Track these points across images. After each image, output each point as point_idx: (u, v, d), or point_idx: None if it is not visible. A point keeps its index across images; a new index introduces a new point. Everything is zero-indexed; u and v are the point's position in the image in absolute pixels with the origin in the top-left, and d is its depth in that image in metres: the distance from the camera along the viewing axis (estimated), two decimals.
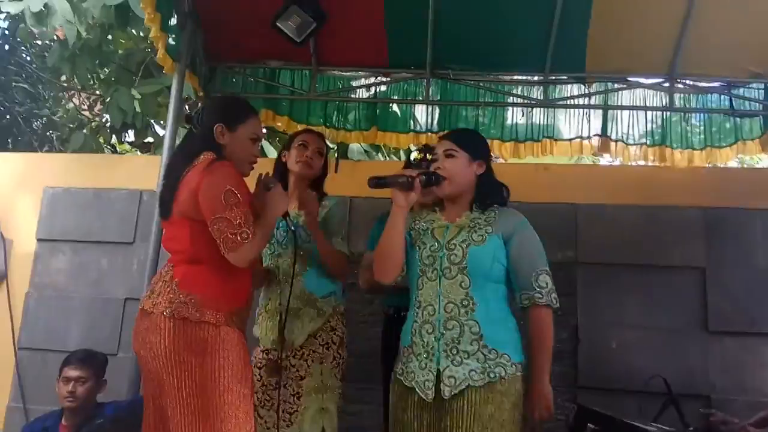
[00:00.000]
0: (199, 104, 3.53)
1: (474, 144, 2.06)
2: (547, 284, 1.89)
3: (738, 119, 3.51)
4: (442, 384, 1.83)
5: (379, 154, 4.42)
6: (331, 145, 4.44)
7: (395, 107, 3.79)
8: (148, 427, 1.91)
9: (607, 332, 3.40)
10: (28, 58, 6.06)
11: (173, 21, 3.28)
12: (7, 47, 5.81)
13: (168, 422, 1.83)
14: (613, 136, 3.58)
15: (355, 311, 3.54)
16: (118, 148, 6.72)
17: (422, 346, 1.89)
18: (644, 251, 3.48)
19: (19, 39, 5.07)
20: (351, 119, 3.70)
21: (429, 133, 3.64)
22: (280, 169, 2.55)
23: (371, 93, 3.75)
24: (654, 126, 3.57)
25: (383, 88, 3.73)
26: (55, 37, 4.06)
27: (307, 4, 3.19)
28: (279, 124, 3.71)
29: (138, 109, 4.29)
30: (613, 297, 3.46)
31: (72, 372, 2.84)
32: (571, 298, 3.46)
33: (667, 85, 3.52)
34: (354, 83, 3.75)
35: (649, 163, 3.59)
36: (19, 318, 3.71)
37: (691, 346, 3.33)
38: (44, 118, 6.19)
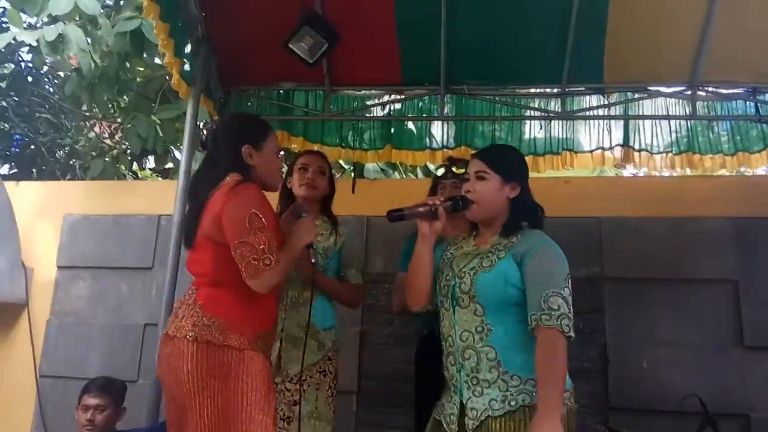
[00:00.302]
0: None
1: (508, 165, 1.91)
2: (558, 307, 1.70)
3: (765, 125, 3.39)
4: (465, 417, 1.74)
5: (396, 173, 4.38)
6: (345, 166, 4.43)
7: (410, 125, 3.74)
8: None
9: (637, 350, 3.27)
10: (51, 89, 6.18)
11: (187, 47, 3.30)
12: (30, 79, 5.93)
13: None
14: (636, 146, 3.48)
15: (374, 333, 3.49)
16: (140, 175, 6.80)
17: (449, 379, 1.83)
18: (673, 264, 3.36)
19: (35, 67, 5.17)
20: (366, 138, 3.67)
21: (445, 149, 3.59)
22: (287, 195, 2.56)
23: (386, 111, 3.71)
24: (678, 135, 3.47)
25: (398, 105, 3.70)
26: (72, 67, 4.12)
27: (319, 25, 3.18)
28: (294, 145, 3.68)
29: (161, 135, 4.32)
30: (643, 313, 3.33)
31: (91, 400, 2.83)
32: (598, 315, 3.36)
33: (689, 93, 3.42)
34: (368, 102, 3.72)
35: (675, 173, 3.48)
36: (40, 345, 3.72)
37: (726, 363, 3.18)
38: (67, 147, 6.28)
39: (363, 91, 3.70)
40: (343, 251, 2.54)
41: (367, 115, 3.73)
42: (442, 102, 3.61)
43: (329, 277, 2.49)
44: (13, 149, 6.24)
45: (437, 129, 3.70)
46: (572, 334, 1.71)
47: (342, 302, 2.54)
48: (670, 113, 3.46)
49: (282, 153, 2.15)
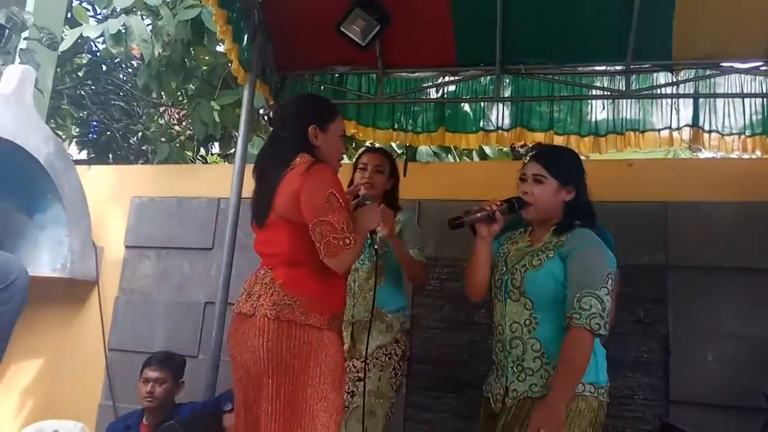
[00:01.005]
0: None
1: (566, 169, 1.99)
2: (590, 307, 1.77)
3: None
4: (507, 397, 1.89)
5: (449, 155, 4.31)
6: (398, 150, 4.40)
7: (466, 107, 3.66)
8: None
9: (702, 342, 3.09)
10: (124, 78, 6.48)
11: (245, 34, 3.36)
12: (104, 68, 6.23)
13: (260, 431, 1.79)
14: (706, 127, 3.26)
15: (425, 317, 3.47)
16: (208, 160, 7.05)
17: (497, 363, 1.99)
18: (745, 252, 3.14)
19: (108, 57, 5.42)
20: (419, 121, 3.62)
21: (499, 131, 3.50)
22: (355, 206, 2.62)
23: (440, 93, 3.65)
24: (753, 114, 3.22)
25: (452, 87, 3.63)
26: (137, 56, 4.30)
27: (371, 7, 3.16)
28: (352, 130, 3.69)
29: (218, 121, 4.45)
30: (709, 303, 3.14)
31: (151, 373, 2.96)
32: (660, 304, 3.20)
33: (765, 68, 3.17)
34: (422, 84, 3.67)
35: (748, 156, 3.24)
36: (109, 321, 3.92)
37: None
38: (139, 134, 6.58)
39: (416, 74, 3.66)
40: (403, 233, 2.60)
41: (420, 97, 3.68)
42: (497, 82, 3.51)
43: (392, 265, 2.57)
44: (90, 135, 6.59)
45: (493, 111, 3.61)
46: (603, 332, 1.78)
47: (412, 277, 2.62)
48: (745, 91, 3.23)
49: (344, 134, 2.12)
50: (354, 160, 2.77)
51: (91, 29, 4.04)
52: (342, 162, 2.09)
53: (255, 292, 1.88)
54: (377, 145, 3.73)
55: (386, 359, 2.46)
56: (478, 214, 1.94)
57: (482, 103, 3.60)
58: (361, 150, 3.18)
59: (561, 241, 1.92)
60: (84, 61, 6.29)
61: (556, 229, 1.95)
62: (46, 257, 3.80)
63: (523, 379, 1.86)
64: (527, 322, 1.89)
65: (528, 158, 2.07)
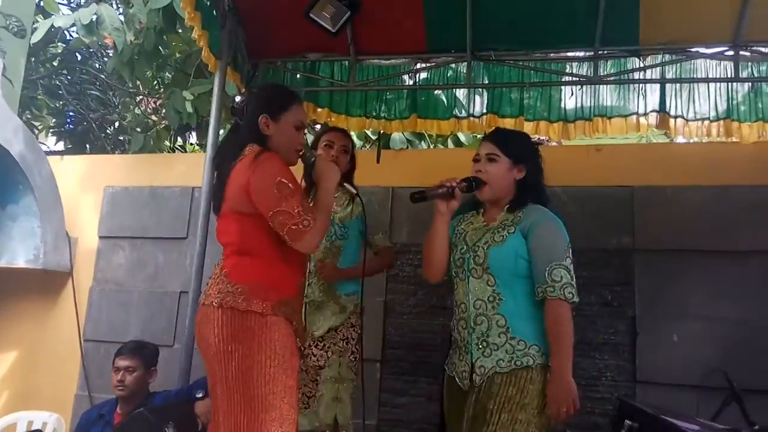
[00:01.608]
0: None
1: (517, 148, 2.06)
2: (561, 278, 1.87)
3: None
4: (474, 374, 1.93)
5: (422, 142, 4.32)
6: (372, 135, 4.41)
7: (438, 93, 3.68)
8: (215, 422, 1.90)
9: (668, 324, 3.16)
10: (99, 67, 6.40)
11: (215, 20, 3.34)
12: (79, 57, 6.16)
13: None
14: (672, 112, 3.31)
15: (398, 303, 3.50)
16: (186, 149, 7.00)
17: (460, 341, 2.01)
18: (710, 235, 3.21)
19: (79, 47, 5.36)
20: (392, 108, 3.64)
21: (471, 118, 3.52)
22: (310, 170, 2.55)
23: (412, 80, 3.66)
24: (718, 99, 3.27)
25: (424, 74, 3.64)
26: (110, 45, 4.26)
27: None
28: (319, 115, 3.70)
29: (191, 110, 4.43)
30: (675, 286, 3.20)
31: (121, 362, 2.97)
32: (627, 287, 3.26)
33: (731, 53, 3.21)
34: (394, 71, 3.67)
35: (714, 140, 3.29)
36: (84, 311, 3.91)
37: (763, 339, 3.02)
38: (116, 123, 6.52)
39: (388, 61, 3.66)
40: (367, 218, 2.59)
41: (393, 84, 3.69)
42: (468, 69, 3.53)
43: (350, 246, 2.58)
44: (66, 126, 6.52)
45: (465, 97, 3.63)
46: (576, 299, 1.89)
47: (384, 268, 2.68)
48: (711, 76, 3.27)
49: (304, 128, 2.08)
50: (314, 137, 2.73)
51: (62, 19, 4.01)
52: (300, 152, 2.05)
53: (209, 282, 1.95)
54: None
55: (344, 344, 2.48)
56: (439, 190, 1.98)
57: (455, 90, 3.62)
58: (322, 128, 3.13)
59: (518, 217, 1.99)
60: (58, 51, 6.20)
61: (510, 206, 2.02)
62: (19, 248, 3.78)
63: (489, 354, 1.90)
64: (491, 298, 1.93)
65: (481, 140, 2.14)
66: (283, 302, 1.89)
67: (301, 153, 2.05)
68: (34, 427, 3.20)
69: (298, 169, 2.11)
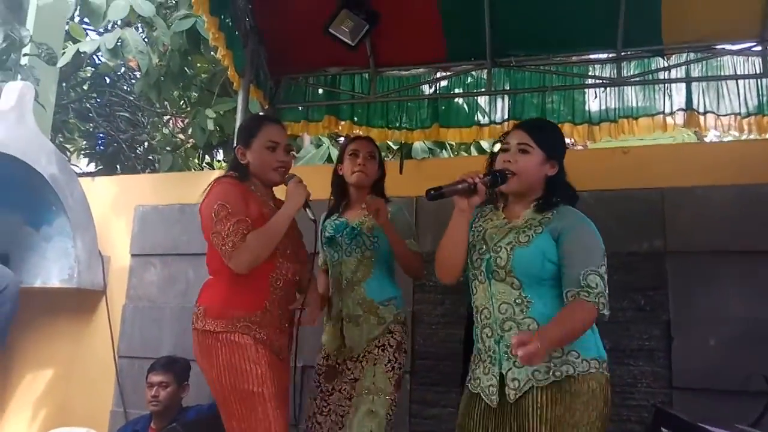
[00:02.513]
0: None
1: (552, 142, 1.90)
2: (597, 285, 1.69)
3: None
4: (506, 387, 1.75)
5: (444, 151, 4.32)
6: (394, 146, 4.42)
7: (459, 101, 3.68)
8: None
9: (703, 328, 3.06)
10: (127, 89, 6.57)
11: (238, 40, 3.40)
12: (107, 80, 6.33)
13: None
14: (701, 110, 3.25)
15: (426, 313, 3.48)
16: (214, 167, 7.12)
17: (485, 351, 1.83)
18: (744, 235, 3.11)
19: (102, 72, 5.53)
20: (413, 118, 3.64)
21: (492, 125, 3.50)
22: (338, 182, 2.58)
23: (432, 89, 3.67)
24: (748, 95, 3.19)
25: (444, 83, 3.65)
26: (135, 68, 4.38)
27: (358, 7, 3.19)
28: (342, 128, 3.73)
29: (216, 128, 4.51)
30: (710, 288, 3.11)
31: (155, 377, 3.02)
32: (661, 291, 3.18)
33: (758, 49, 3.14)
34: (414, 81, 3.68)
35: (744, 137, 3.21)
36: (118, 328, 3.98)
37: None
38: (145, 143, 6.67)
39: (408, 71, 3.67)
40: (396, 225, 2.48)
41: (413, 94, 3.70)
42: (488, 76, 3.52)
43: (382, 255, 2.47)
44: (97, 147, 6.70)
45: (486, 104, 3.61)
46: (607, 312, 1.71)
47: (408, 268, 2.48)
48: (738, 73, 3.20)
49: (280, 147, 2.07)
50: (340, 149, 2.70)
51: (88, 44, 4.14)
52: (281, 169, 2.13)
53: None
54: None
55: (379, 351, 2.30)
56: (459, 186, 1.78)
57: (476, 98, 3.61)
58: (346, 139, 3.11)
59: (546, 217, 1.82)
60: (87, 75, 6.39)
61: (539, 205, 1.85)
62: (53, 268, 3.87)
63: (521, 365, 1.69)
64: (518, 301, 1.77)
65: (513, 128, 1.97)
66: (242, 319, 1.97)
67: (281, 170, 2.12)
68: None
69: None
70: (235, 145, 2.19)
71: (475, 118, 3.58)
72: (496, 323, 1.79)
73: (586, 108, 3.43)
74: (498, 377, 1.77)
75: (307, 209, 2.09)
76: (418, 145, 3.97)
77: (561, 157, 1.89)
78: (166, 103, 6.12)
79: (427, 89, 3.68)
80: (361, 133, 3.66)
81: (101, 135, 6.64)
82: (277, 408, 1.92)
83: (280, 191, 2.26)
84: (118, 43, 3.97)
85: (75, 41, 4.53)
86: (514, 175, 1.83)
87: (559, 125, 3.38)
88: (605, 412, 1.73)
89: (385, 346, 2.33)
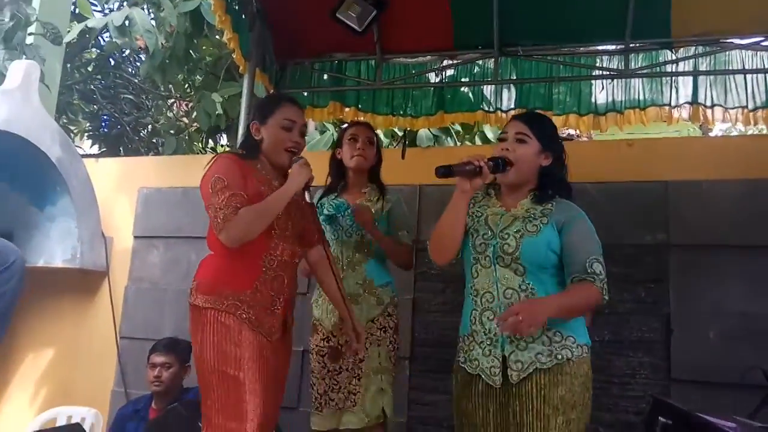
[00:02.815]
0: None
1: (548, 133, 1.98)
2: (600, 272, 1.81)
3: None
4: (509, 369, 1.82)
5: (449, 139, 4.31)
6: (399, 132, 4.41)
7: (465, 90, 3.66)
8: None
9: (704, 321, 3.08)
10: (132, 71, 6.56)
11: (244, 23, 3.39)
12: (112, 62, 6.31)
13: None
14: (708, 103, 3.23)
15: (427, 301, 3.49)
16: (218, 151, 7.12)
17: (484, 333, 1.88)
18: (748, 230, 3.11)
19: (116, 51, 5.53)
20: (418, 105, 3.63)
21: (498, 112, 3.49)
22: (337, 165, 2.67)
23: (439, 78, 3.65)
24: (756, 89, 3.17)
25: (451, 71, 3.63)
26: (141, 48, 4.37)
27: None
28: (347, 114, 3.72)
29: (221, 112, 4.50)
30: (711, 282, 3.12)
31: (157, 358, 3.03)
32: (662, 284, 3.19)
33: (767, 44, 3.12)
34: (421, 69, 3.67)
35: (750, 131, 3.21)
36: (120, 309, 4.00)
37: None
38: (149, 126, 6.67)
39: (415, 59, 3.66)
40: (392, 215, 2.62)
41: (419, 82, 3.69)
42: (495, 65, 3.51)
43: (361, 232, 2.57)
44: (101, 129, 6.69)
45: (493, 94, 3.60)
46: (606, 297, 1.82)
47: (395, 259, 2.62)
48: (746, 67, 3.19)
49: (295, 127, 2.12)
50: (338, 134, 2.75)
51: (95, 22, 4.13)
52: (292, 150, 2.10)
53: None
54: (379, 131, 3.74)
55: (381, 333, 2.48)
56: (467, 167, 1.82)
57: (482, 87, 3.60)
58: (345, 125, 3.16)
59: (548, 209, 1.90)
60: (93, 56, 6.38)
61: (537, 197, 1.93)
62: (57, 249, 3.89)
63: (524, 347, 1.80)
64: (523, 287, 1.84)
65: (511, 119, 2.06)
66: (230, 296, 1.95)
67: (292, 151, 2.11)
68: (72, 422, 3.29)
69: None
70: (251, 120, 2.17)
71: (481, 106, 3.57)
72: (500, 308, 1.84)
73: (593, 99, 3.41)
74: (500, 359, 1.82)
75: (306, 192, 2.05)
76: (423, 132, 3.96)
77: (555, 149, 1.96)
78: (170, 86, 6.11)
79: (433, 77, 3.66)
80: (365, 119, 3.66)
81: (105, 117, 6.63)
82: (253, 393, 1.89)
83: None
84: (126, 22, 3.95)
85: (82, 19, 4.52)
86: (512, 165, 1.88)
87: (565, 116, 3.42)
88: (591, 395, 1.88)
89: (386, 328, 2.51)
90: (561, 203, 1.92)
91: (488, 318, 1.87)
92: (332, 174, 2.68)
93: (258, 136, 2.11)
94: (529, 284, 1.84)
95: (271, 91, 3.71)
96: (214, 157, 2.08)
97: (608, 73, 3.38)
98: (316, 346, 2.55)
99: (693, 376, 3.02)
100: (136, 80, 6.53)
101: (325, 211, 2.59)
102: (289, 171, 2.09)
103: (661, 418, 1.84)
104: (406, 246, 2.62)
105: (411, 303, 3.47)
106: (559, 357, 1.79)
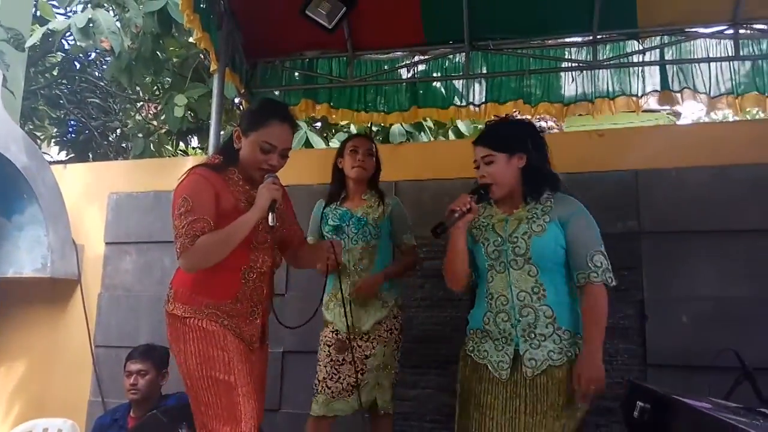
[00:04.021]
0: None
1: (507, 140, 2.06)
2: (602, 263, 1.95)
3: None
4: (522, 366, 1.95)
5: (422, 134, 4.32)
6: (374, 128, 4.42)
7: (437, 85, 3.67)
8: None
9: (677, 306, 3.14)
10: (98, 75, 6.42)
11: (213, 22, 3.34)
12: (78, 66, 6.18)
13: None
14: (676, 88, 3.31)
15: (406, 296, 3.46)
16: (189, 153, 7.01)
17: (498, 333, 2.01)
18: (716, 215, 3.18)
19: (81, 54, 5.41)
20: (391, 101, 3.64)
21: (471, 106, 3.51)
22: (338, 175, 2.82)
23: (410, 73, 3.66)
24: (720, 77, 3.26)
25: (422, 66, 3.64)
26: (106, 50, 4.26)
27: None
28: (319, 111, 3.71)
29: (189, 114, 4.44)
30: (683, 267, 3.17)
31: (133, 366, 2.98)
32: (635, 271, 3.23)
33: (731, 32, 3.20)
34: (393, 65, 3.67)
35: (716, 117, 3.28)
36: (94, 318, 3.92)
37: None
38: (117, 130, 6.54)
39: (386, 54, 3.66)
40: (393, 218, 2.78)
41: (391, 78, 3.68)
42: (466, 59, 3.53)
43: (384, 245, 2.75)
44: (68, 135, 6.54)
45: (464, 87, 3.62)
46: (614, 283, 1.98)
47: (408, 273, 2.89)
48: (711, 56, 3.25)
49: (273, 151, 2.02)
50: (340, 145, 2.87)
51: (57, 24, 4.02)
52: (266, 171, 2.02)
53: None
54: (353, 127, 3.73)
55: (388, 335, 2.65)
56: (456, 215, 1.98)
57: (454, 81, 3.61)
58: (348, 136, 3.33)
59: (548, 206, 2.01)
60: (57, 60, 6.23)
61: (530, 196, 2.04)
62: (26, 258, 3.80)
63: (537, 345, 1.93)
64: (535, 289, 1.96)
65: (473, 145, 2.13)
66: (210, 306, 1.95)
67: (266, 171, 2.03)
68: None
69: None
70: (237, 125, 2.11)
71: (453, 101, 3.59)
72: (514, 309, 1.98)
73: (563, 91, 3.47)
74: (511, 355, 1.97)
75: (270, 214, 1.95)
76: (396, 128, 3.96)
77: (524, 147, 2.04)
78: (138, 88, 6.00)
79: (405, 73, 3.66)
80: (336, 116, 3.66)
81: (72, 122, 6.48)
82: (245, 395, 1.89)
83: None
84: (90, 24, 3.85)
85: (44, 22, 4.40)
86: (492, 185, 2.03)
87: (535, 106, 3.46)
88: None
89: (392, 329, 2.68)
90: (560, 198, 2.04)
91: (503, 320, 2.00)
92: (334, 182, 2.82)
93: (238, 145, 2.05)
94: (541, 285, 1.96)
95: (242, 91, 3.67)
96: (189, 170, 2.00)
97: (577, 64, 3.42)
98: (325, 337, 2.71)
99: (668, 360, 3.08)
100: (103, 83, 6.40)
101: (330, 222, 2.75)
102: (259, 188, 1.99)
103: (638, 402, 1.87)
104: (412, 252, 2.82)
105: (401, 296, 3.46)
106: (569, 354, 1.94)
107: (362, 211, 2.73)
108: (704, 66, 3.26)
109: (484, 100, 3.52)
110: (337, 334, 2.67)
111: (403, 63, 3.66)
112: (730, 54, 3.22)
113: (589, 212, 2.03)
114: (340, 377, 2.61)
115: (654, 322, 3.15)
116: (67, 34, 5.07)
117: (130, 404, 3.05)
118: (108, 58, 6.25)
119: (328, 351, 2.66)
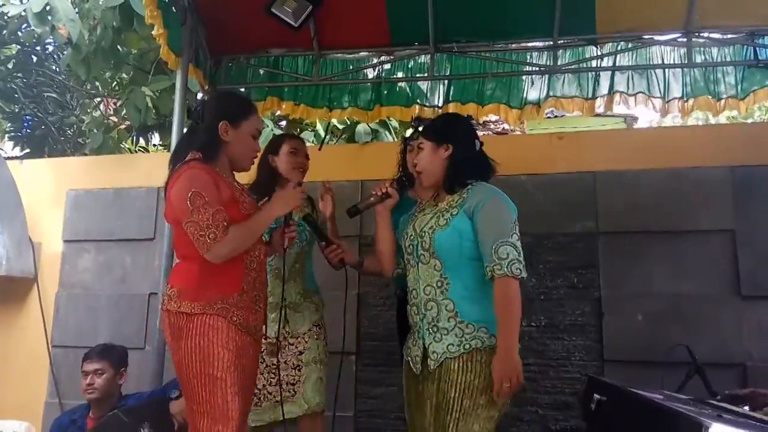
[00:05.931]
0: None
1: (440, 130, 2.10)
2: (508, 255, 1.86)
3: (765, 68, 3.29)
4: (428, 359, 1.96)
5: (387, 134, 4.34)
6: (339, 126, 4.43)
7: (402, 85, 3.70)
8: None
9: (633, 303, 3.26)
10: (56, 69, 6.23)
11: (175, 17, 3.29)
12: (34, 59, 5.99)
13: None
14: (631, 92, 3.41)
15: (371, 295, 3.53)
16: (149, 150, 6.87)
17: (413, 326, 2.05)
18: (669, 216, 3.32)
19: (37, 45, 5.24)
20: (356, 100, 3.65)
21: (435, 108, 3.56)
22: (267, 171, 2.65)
23: (376, 73, 3.68)
24: (673, 84, 3.38)
25: (387, 66, 3.67)
26: (64, 39, 4.11)
27: None
28: (284, 108, 3.70)
29: (152, 107, 4.36)
30: (638, 266, 3.30)
31: (89, 365, 2.92)
32: (592, 270, 3.35)
33: (684, 40, 3.33)
34: (358, 65, 3.69)
35: (672, 123, 3.41)
36: (51, 317, 3.83)
37: (723, 313, 3.16)
38: (75, 126, 6.36)
39: (352, 54, 3.67)
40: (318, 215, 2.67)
41: (357, 78, 3.70)
42: (431, 61, 3.57)
43: (311, 248, 2.65)
44: (24, 130, 6.33)
45: (429, 88, 3.66)
46: (524, 275, 1.88)
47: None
48: (665, 62, 3.38)
49: (259, 136, 2.14)
50: (273, 142, 2.72)
51: (11, 8, 3.88)
52: (255, 158, 2.14)
53: None
54: (319, 125, 3.70)
55: (318, 330, 2.63)
56: (371, 199, 2.09)
57: (418, 82, 3.65)
58: (280, 134, 3.20)
59: (462, 197, 1.99)
60: (13, 53, 6.02)
61: (448, 187, 2.04)
62: None
63: (439, 339, 1.92)
64: (439, 283, 1.95)
65: None
66: (219, 301, 1.93)
67: (254, 160, 2.14)
68: None
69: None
70: (218, 119, 2.01)
71: (417, 101, 3.63)
72: (421, 303, 1.99)
73: (523, 94, 3.54)
74: (422, 349, 1.98)
75: (290, 221, 2.14)
76: (361, 128, 3.97)
77: (452, 137, 2.05)
78: (96, 83, 5.85)
79: (370, 73, 3.68)
80: (302, 113, 3.67)
81: (28, 117, 6.27)
82: (236, 394, 1.89)
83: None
84: (47, 8, 3.71)
85: None
86: (419, 173, 2.08)
87: (496, 105, 3.54)
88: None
89: (321, 326, 2.65)
90: (475, 188, 1.99)
91: (414, 313, 2.03)
92: (264, 180, 2.64)
93: (226, 138, 2.02)
94: (445, 279, 1.95)
95: (206, 87, 3.64)
96: (179, 167, 1.95)
97: (538, 69, 3.51)
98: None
99: (624, 355, 3.20)
100: (61, 77, 6.21)
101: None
102: (277, 193, 2.07)
103: (595, 395, 1.93)
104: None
105: (356, 298, 3.49)
106: (467, 346, 1.89)
107: (297, 214, 2.51)
108: (659, 71, 3.38)
109: (447, 100, 3.57)
110: (267, 339, 2.49)
111: (369, 63, 3.68)
112: (683, 61, 3.34)
113: (503, 197, 1.96)
114: (277, 380, 2.50)
115: (610, 319, 3.26)
116: (23, 25, 4.93)
117: (89, 405, 2.99)
118: (65, 52, 6.09)
119: (262, 357, 2.47)
